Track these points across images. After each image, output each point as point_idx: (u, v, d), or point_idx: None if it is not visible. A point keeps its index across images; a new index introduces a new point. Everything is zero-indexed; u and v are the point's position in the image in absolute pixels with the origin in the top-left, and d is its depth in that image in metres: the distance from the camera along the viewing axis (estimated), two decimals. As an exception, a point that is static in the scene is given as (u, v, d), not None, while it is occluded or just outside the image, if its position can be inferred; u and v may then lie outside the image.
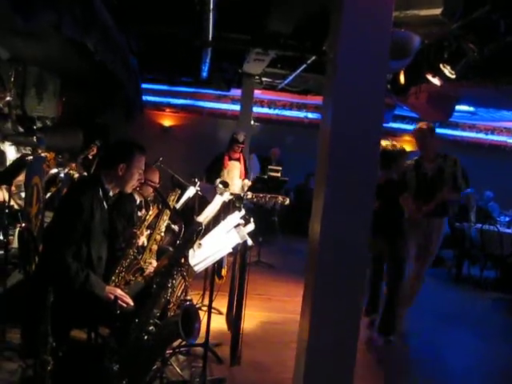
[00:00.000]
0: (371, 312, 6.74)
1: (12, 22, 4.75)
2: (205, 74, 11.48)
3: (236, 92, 13.63)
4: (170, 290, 3.60)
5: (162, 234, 4.79)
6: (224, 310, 5.91)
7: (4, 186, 5.46)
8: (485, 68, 7.36)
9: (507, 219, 11.79)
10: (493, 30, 6.15)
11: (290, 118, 15.65)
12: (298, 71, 10.58)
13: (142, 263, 4.32)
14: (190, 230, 3.85)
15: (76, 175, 7.16)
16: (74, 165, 7.45)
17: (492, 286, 10.10)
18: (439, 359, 6.14)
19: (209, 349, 4.68)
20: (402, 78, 8.23)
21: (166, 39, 9.30)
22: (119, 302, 3.57)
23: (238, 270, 5.07)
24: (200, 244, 3.82)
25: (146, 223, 4.47)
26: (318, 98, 13.25)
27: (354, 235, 3.63)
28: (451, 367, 5.99)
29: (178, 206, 5.71)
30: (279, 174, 12.60)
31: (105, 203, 3.91)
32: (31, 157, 5.50)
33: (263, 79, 12.32)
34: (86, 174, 7.25)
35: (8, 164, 6.09)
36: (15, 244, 5.23)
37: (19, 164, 5.16)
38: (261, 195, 9.06)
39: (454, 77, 7.00)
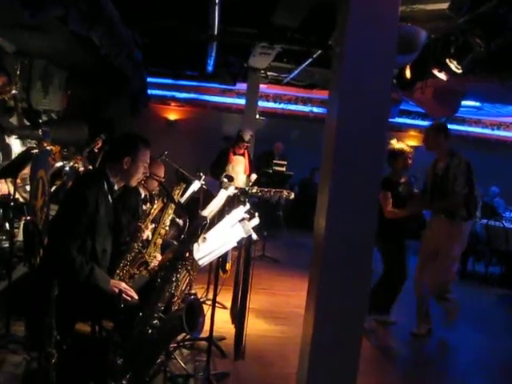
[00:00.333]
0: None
1: (19, 16, 4.76)
2: (210, 68, 11.47)
3: (241, 86, 13.61)
4: (175, 283, 3.59)
5: (167, 227, 4.80)
6: (228, 304, 5.92)
7: (9, 179, 5.47)
8: (491, 63, 7.33)
9: (513, 215, 11.75)
10: (500, 24, 6.12)
11: (296, 113, 15.64)
12: (304, 65, 10.55)
13: (146, 257, 4.33)
14: (194, 224, 3.85)
15: (81, 169, 7.16)
16: (79, 158, 7.45)
17: (497, 281, 10.09)
18: (444, 355, 6.15)
19: (213, 343, 4.69)
20: (408, 73, 8.20)
21: (172, 33, 9.27)
22: (123, 295, 3.57)
23: (242, 265, 5.08)
24: (205, 238, 3.81)
25: (151, 217, 4.48)
26: (323, 92, 13.21)
27: (359, 230, 3.62)
28: (456, 362, 6.00)
29: (182, 200, 5.71)
30: (284, 169, 12.62)
31: (110, 197, 3.91)
32: (37, 150, 5.51)
33: (269, 73, 12.30)
34: (91, 167, 7.26)
35: (13, 157, 6.09)
36: (20, 237, 5.25)
37: (25, 157, 5.17)
38: (266, 189, 9.04)
39: (460, 72, 6.97)
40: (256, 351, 5.26)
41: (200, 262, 3.81)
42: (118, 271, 3.96)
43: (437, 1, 5.38)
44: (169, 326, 3.33)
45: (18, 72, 7.78)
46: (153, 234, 4.64)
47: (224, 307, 6.09)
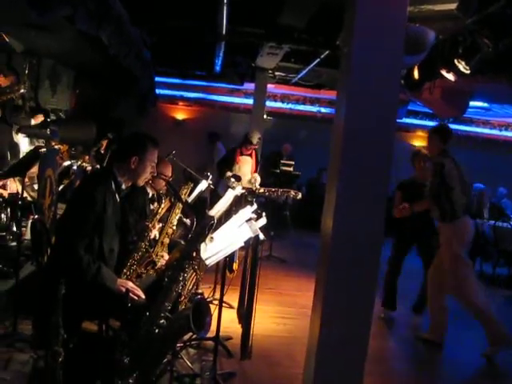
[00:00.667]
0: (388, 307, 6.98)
1: (27, 15, 4.77)
2: (218, 68, 11.48)
3: (249, 86, 13.62)
4: (182, 283, 3.60)
5: (174, 227, 4.80)
6: (235, 304, 5.92)
7: (17, 178, 5.49)
8: (499, 63, 7.31)
9: (520, 216, 11.72)
10: (508, 24, 6.11)
11: (303, 113, 15.63)
12: (312, 65, 10.56)
13: (153, 256, 4.33)
14: (201, 224, 3.85)
15: (89, 168, 7.18)
16: (86, 157, 7.47)
17: (505, 283, 10.05)
18: (450, 356, 6.12)
19: (219, 342, 4.70)
20: (416, 74, 8.19)
21: (180, 33, 9.29)
22: (131, 294, 3.58)
23: (249, 265, 5.08)
24: (212, 238, 3.82)
25: (158, 216, 4.49)
26: (331, 92, 13.22)
27: (366, 230, 3.62)
28: (462, 364, 5.97)
29: (190, 199, 5.72)
30: (291, 169, 12.61)
31: (117, 196, 3.91)
32: (44, 149, 5.52)
33: (276, 73, 12.30)
34: (98, 166, 7.28)
35: (21, 156, 6.11)
36: (28, 236, 5.26)
37: (33, 156, 5.18)
38: (273, 189, 9.04)
39: (468, 72, 6.96)
40: (263, 351, 5.26)
41: (207, 262, 3.81)
42: (125, 270, 3.97)
43: (445, 1, 5.37)
44: (176, 326, 3.33)
45: (27, 71, 7.81)
46: (160, 234, 4.64)
47: (231, 307, 6.09)
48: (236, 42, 9.59)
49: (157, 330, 3.36)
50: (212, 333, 4.18)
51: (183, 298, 4.42)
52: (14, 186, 5.52)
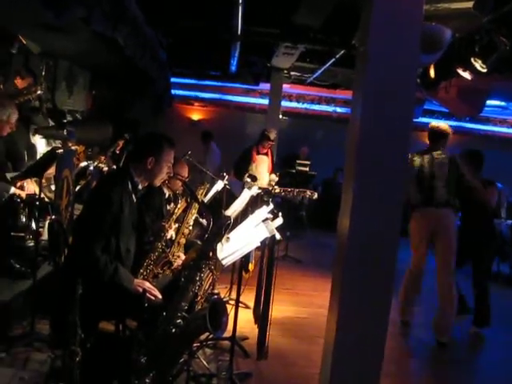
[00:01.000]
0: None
1: (43, 17, 4.80)
2: (233, 68, 11.47)
3: (264, 86, 13.62)
4: (198, 283, 3.60)
5: (190, 227, 4.81)
6: (251, 304, 5.91)
7: (34, 179, 5.52)
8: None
9: (538, 216, 11.61)
10: (525, 23, 6.06)
11: (319, 113, 15.61)
12: (327, 65, 10.53)
13: (170, 256, 4.34)
14: (218, 224, 3.86)
15: (105, 168, 7.21)
16: (103, 158, 7.50)
17: (522, 283, 9.99)
18: (469, 356, 6.10)
19: (236, 342, 4.70)
20: (432, 72, 8.14)
21: (195, 33, 9.31)
22: (147, 294, 3.59)
23: (265, 265, 5.07)
24: (228, 238, 3.82)
25: (175, 217, 4.50)
26: (346, 92, 13.18)
27: (383, 230, 3.61)
28: (480, 365, 5.95)
29: (206, 199, 5.73)
30: (307, 169, 12.61)
31: (134, 196, 3.93)
32: (62, 150, 5.55)
33: (292, 73, 12.29)
34: (115, 167, 7.30)
35: (38, 157, 6.15)
36: (45, 236, 5.30)
37: (50, 157, 5.20)
38: (289, 189, 9.03)
39: (485, 71, 6.90)
40: (279, 351, 5.26)
41: (223, 262, 3.81)
42: (141, 270, 3.98)
43: (461, -1, 5.35)
44: (192, 326, 3.33)
45: (43, 73, 7.86)
46: (176, 234, 4.66)
47: (247, 307, 6.09)
48: (251, 42, 9.58)
49: (173, 330, 3.37)
50: (228, 333, 4.17)
51: (199, 298, 4.42)
52: (31, 186, 5.55)
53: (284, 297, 6.95)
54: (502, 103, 12.73)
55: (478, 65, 6.85)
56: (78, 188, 6.63)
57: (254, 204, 5.59)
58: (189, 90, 14.97)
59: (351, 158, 3.71)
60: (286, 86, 13.28)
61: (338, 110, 15.47)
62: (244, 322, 5.49)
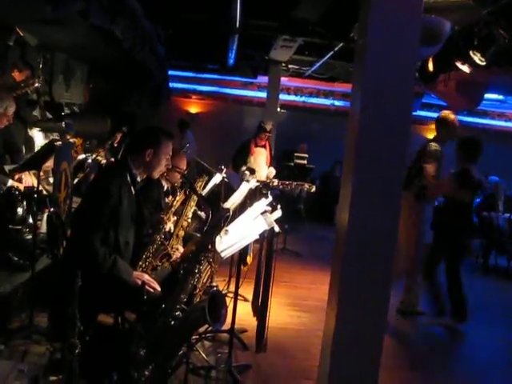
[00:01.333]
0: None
1: (41, 10, 4.77)
2: (231, 61, 11.45)
3: (263, 79, 13.60)
4: (197, 275, 3.61)
5: (189, 220, 4.81)
6: (249, 296, 5.92)
7: (33, 172, 5.51)
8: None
9: (536, 209, 11.64)
10: (524, 16, 6.05)
11: (317, 106, 15.59)
12: (325, 58, 10.52)
13: (168, 249, 4.34)
14: (217, 217, 3.86)
15: (103, 161, 7.20)
16: (101, 151, 7.49)
17: (520, 276, 10.02)
18: (465, 349, 6.12)
19: (234, 335, 4.70)
20: (430, 66, 8.14)
21: (193, 26, 9.29)
22: (146, 287, 3.59)
23: (264, 257, 5.08)
24: (227, 230, 3.82)
25: (173, 209, 4.49)
26: (344, 85, 13.18)
27: (381, 224, 3.61)
28: (478, 358, 5.95)
29: (204, 192, 5.72)
30: (305, 162, 12.61)
31: (132, 188, 3.92)
32: (60, 142, 5.54)
33: (290, 66, 12.29)
34: (113, 160, 7.29)
35: (36, 150, 6.14)
36: (43, 229, 5.29)
37: (48, 149, 5.19)
38: (287, 183, 9.03)
39: (484, 64, 6.90)
40: (278, 344, 5.27)
41: (222, 255, 3.82)
42: (140, 263, 3.98)
43: (461, -8, 5.35)
44: (192, 318, 3.34)
45: (41, 65, 7.83)
46: (175, 226, 4.65)
47: (245, 300, 6.09)
48: (249, 35, 9.57)
49: (172, 322, 3.38)
50: (227, 325, 4.18)
51: (198, 290, 4.43)
52: (29, 179, 5.54)
53: (282, 290, 6.96)
54: (500, 97, 12.75)
55: (477, 58, 6.85)
56: (76, 181, 6.62)
57: (252, 197, 5.59)
58: (187, 83, 14.93)
59: (350, 152, 3.70)
60: (284, 79, 13.27)
61: (336, 103, 15.45)
62: (243, 314, 5.49)
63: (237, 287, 4.57)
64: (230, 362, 4.42)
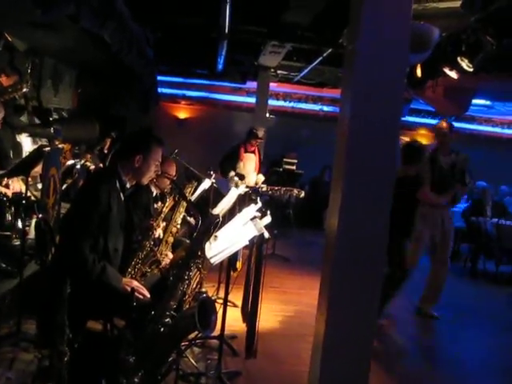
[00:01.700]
0: None
1: (31, 14, 4.75)
2: (220, 67, 11.43)
3: (251, 84, 13.59)
4: (187, 281, 3.60)
5: (178, 226, 4.80)
6: (239, 302, 5.91)
7: (21, 177, 5.48)
8: (503, 61, 7.29)
9: (523, 214, 11.71)
10: (512, 23, 6.08)
11: (306, 111, 15.58)
12: (314, 64, 10.52)
13: (158, 255, 4.33)
14: (206, 223, 3.85)
15: (92, 167, 7.17)
16: (90, 156, 7.46)
17: (507, 280, 10.06)
18: (454, 353, 6.12)
19: (224, 341, 4.70)
20: (418, 72, 8.16)
21: (182, 31, 9.27)
22: (136, 293, 3.57)
23: (253, 263, 5.07)
24: (216, 236, 3.81)
25: (163, 215, 4.48)
26: (333, 90, 13.19)
27: (371, 229, 3.61)
28: (466, 362, 5.96)
29: (192, 198, 5.71)
30: (294, 167, 12.62)
31: (122, 195, 3.90)
32: (48, 148, 5.51)
33: (279, 72, 12.28)
34: (101, 165, 7.27)
35: (24, 155, 6.11)
36: (32, 235, 5.26)
37: (36, 155, 5.17)
38: (276, 188, 9.04)
39: (471, 70, 6.93)
40: (268, 349, 5.25)
41: (212, 261, 3.80)
42: (129, 269, 3.95)
43: (450, -1, 5.37)
44: (181, 324, 3.33)
45: (29, 70, 7.80)
46: (164, 233, 4.64)
47: (235, 305, 6.08)
48: (238, 41, 9.56)
49: (162, 329, 3.36)
50: (217, 331, 4.17)
51: (187, 297, 4.41)
52: (17, 185, 5.51)
53: (272, 295, 6.95)
54: (488, 102, 12.79)
55: (465, 64, 6.87)
56: (64, 186, 6.58)
57: (241, 202, 5.59)
58: (176, 89, 14.90)
59: (340, 157, 3.71)
60: (273, 85, 13.26)
61: (325, 108, 15.46)
62: (232, 320, 5.48)
63: (226, 293, 4.56)
64: (220, 368, 4.42)
